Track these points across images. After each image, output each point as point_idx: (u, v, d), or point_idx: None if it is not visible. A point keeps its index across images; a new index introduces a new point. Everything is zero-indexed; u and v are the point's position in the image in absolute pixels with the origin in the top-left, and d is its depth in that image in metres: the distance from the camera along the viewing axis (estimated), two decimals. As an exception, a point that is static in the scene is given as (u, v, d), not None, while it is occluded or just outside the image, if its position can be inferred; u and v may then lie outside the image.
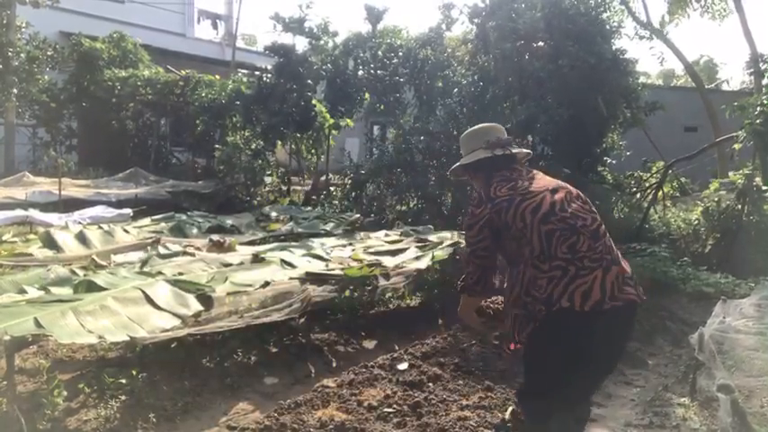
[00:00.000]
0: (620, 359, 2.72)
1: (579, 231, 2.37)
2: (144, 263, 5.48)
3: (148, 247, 6.16)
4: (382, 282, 5.07)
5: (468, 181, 2.89)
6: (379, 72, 14.72)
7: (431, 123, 11.14)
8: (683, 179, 11.20)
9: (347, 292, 5.04)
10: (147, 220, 8.57)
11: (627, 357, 4.61)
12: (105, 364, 3.91)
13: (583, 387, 2.57)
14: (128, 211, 9.90)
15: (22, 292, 4.15)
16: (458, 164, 2.80)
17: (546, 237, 2.35)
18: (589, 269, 2.30)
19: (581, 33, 9.87)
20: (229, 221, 8.90)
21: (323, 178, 14.52)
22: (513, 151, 2.67)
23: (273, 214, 10.31)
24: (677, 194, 11.19)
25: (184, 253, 6.04)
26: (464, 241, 2.70)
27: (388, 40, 14.57)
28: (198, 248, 6.43)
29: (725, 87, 20.21)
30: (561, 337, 2.31)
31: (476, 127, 2.85)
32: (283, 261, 5.63)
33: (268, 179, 14.07)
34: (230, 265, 5.45)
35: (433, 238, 7.01)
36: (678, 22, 14.81)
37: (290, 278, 5.00)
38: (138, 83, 16.32)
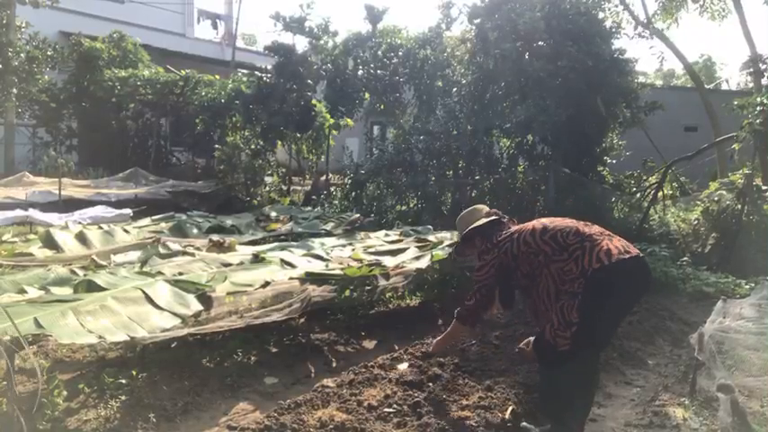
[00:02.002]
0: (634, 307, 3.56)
1: (571, 226, 2.96)
2: (144, 263, 5.48)
3: (148, 247, 6.15)
4: (382, 282, 5.07)
5: (471, 252, 3.48)
6: (378, 72, 14.72)
7: (431, 123, 11.14)
8: (682, 179, 11.20)
9: (347, 292, 5.04)
10: (147, 220, 8.57)
11: (627, 357, 4.62)
12: (105, 364, 3.91)
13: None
14: (128, 211, 9.90)
15: (22, 292, 4.15)
16: (467, 229, 3.35)
17: (552, 239, 2.93)
18: (598, 240, 2.86)
19: (580, 34, 9.88)
20: (229, 221, 8.89)
21: (323, 178, 14.52)
22: (501, 217, 3.40)
23: (273, 214, 10.29)
24: (677, 194, 11.19)
25: (184, 253, 6.03)
26: (474, 279, 3.31)
27: (388, 40, 14.56)
28: (198, 248, 6.43)
29: (724, 87, 20.17)
30: (605, 292, 2.75)
31: (469, 209, 3.56)
32: (283, 261, 5.63)
33: (268, 179, 14.06)
34: (230, 265, 5.45)
35: (432, 238, 7.01)
36: (671, 23, 14.82)
37: (290, 278, 5.00)
38: (138, 83, 16.30)
